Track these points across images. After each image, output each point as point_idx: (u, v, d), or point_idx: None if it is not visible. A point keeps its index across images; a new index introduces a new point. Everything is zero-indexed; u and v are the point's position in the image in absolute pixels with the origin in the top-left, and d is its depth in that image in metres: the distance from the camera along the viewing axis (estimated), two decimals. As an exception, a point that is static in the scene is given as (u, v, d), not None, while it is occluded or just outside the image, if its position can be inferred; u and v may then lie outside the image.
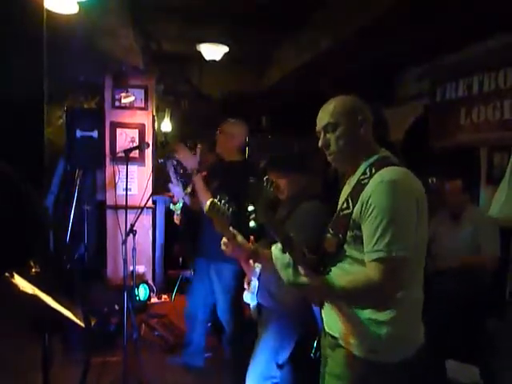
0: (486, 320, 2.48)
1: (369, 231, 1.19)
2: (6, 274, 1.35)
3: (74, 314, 1.42)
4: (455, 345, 2.40)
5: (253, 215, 1.22)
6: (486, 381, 2.27)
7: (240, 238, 1.73)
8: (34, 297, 1.35)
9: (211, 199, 1.72)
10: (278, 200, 1.93)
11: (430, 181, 3.06)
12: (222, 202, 1.71)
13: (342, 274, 1.29)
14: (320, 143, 1.36)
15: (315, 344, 1.53)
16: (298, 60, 3.93)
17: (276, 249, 1.27)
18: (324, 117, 1.35)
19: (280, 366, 1.92)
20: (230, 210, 1.70)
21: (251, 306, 1.99)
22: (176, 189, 2.74)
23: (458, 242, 2.75)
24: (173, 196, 4.44)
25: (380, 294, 1.19)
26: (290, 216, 1.79)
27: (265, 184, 1.27)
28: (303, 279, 1.23)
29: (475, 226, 2.70)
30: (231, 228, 1.72)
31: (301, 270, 1.23)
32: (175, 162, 2.65)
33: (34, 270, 1.43)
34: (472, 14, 2.71)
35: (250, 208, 1.23)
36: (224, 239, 1.74)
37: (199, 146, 3.58)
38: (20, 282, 1.38)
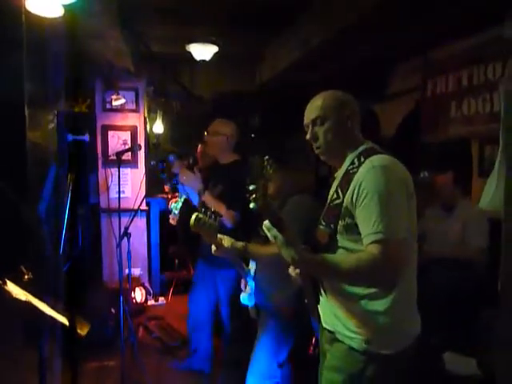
0: (481, 310, 2.49)
1: (365, 215, 1.21)
2: (-1, 281, 1.33)
3: (68, 319, 1.41)
4: (451, 337, 2.41)
5: (254, 195, 1.18)
6: (483, 371, 2.29)
7: (227, 241, 1.75)
8: (28, 303, 1.34)
9: (195, 214, 1.73)
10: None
11: (421, 174, 3.07)
12: (208, 213, 1.73)
13: (339, 256, 1.29)
14: (308, 136, 1.39)
15: (313, 341, 1.54)
16: (288, 58, 3.93)
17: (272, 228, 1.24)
18: (312, 110, 1.38)
19: (280, 365, 1.92)
20: (217, 220, 1.72)
21: (249, 307, 1.99)
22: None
23: (449, 235, 2.76)
24: (168, 198, 4.43)
25: (383, 274, 1.19)
26: (280, 211, 1.80)
27: (265, 164, 1.25)
28: (305, 254, 1.22)
29: (466, 219, 2.70)
30: (218, 235, 1.74)
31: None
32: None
33: (26, 276, 1.42)
34: (460, 8, 2.72)
35: (252, 187, 1.18)
36: (213, 247, 1.77)
37: (200, 147, 3.54)
38: (13, 288, 1.37)
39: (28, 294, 1.36)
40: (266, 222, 1.21)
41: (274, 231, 1.20)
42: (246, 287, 1.97)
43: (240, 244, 1.78)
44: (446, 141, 3.50)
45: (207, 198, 2.43)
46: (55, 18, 2.25)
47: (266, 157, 1.28)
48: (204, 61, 3.82)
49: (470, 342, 2.40)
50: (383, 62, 4.00)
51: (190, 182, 2.47)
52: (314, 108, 1.37)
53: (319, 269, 1.26)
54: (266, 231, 1.23)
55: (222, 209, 2.35)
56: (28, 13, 1.91)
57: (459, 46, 3.34)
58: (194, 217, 1.70)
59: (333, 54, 3.70)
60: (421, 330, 1.36)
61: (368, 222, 1.19)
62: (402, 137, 4.09)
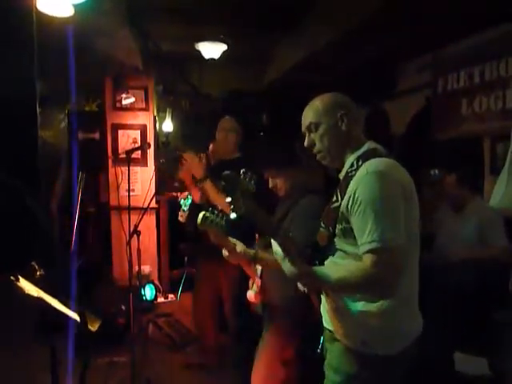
0: (493, 311, 2.46)
1: (359, 224, 1.20)
2: (12, 278, 1.36)
3: (79, 315, 1.43)
4: (463, 337, 2.39)
5: (231, 207, 1.21)
6: (494, 371, 2.26)
7: (240, 246, 1.73)
8: (39, 299, 1.36)
9: (203, 212, 1.71)
10: (277, 199, 1.93)
11: (432, 172, 3.03)
12: (216, 212, 1.71)
13: (334, 267, 1.31)
14: (305, 143, 1.38)
15: (321, 340, 1.54)
16: (298, 56, 3.92)
17: (275, 243, 1.29)
18: (306, 117, 1.37)
19: (285, 364, 1.91)
20: (225, 218, 1.70)
21: (256, 304, 1.99)
22: None
23: (460, 234, 2.71)
24: (177, 196, 4.44)
25: (378, 283, 1.19)
26: (289, 213, 1.80)
27: (242, 177, 1.26)
28: (301, 268, 1.24)
29: (479, 219, 2.65)
30: (230, 238, 1.72)
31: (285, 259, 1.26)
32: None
33: (38, 273, 1.45)
34: (472, 3, 2.69)
35: (228, 200, 1.21)
36: (224, 251, 1.75)
37: (212, 145, 3.55)
38: (25, 284, 1.39)
39: (40, 291, 1.39)
40: (273, 241, 1.27)
41: (276, 248, 1.26)
42: (252, 285, 1.97)
43: (252, 251, 1.77)
44: (454, 138, 3.46)
45: (208, 185, 2.40)
46: (65, 18, 2.27)
47: (243, 170, 1.29)
48: (213, 59, 3.83)
49: (481, 343, 2.38)
50: (391, 60, 3.97)
51: (192, 168, 2.45)
52: (307, 114, 1.37)
53: (319, 283, 1.28)
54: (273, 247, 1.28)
55: (220, 198, 2.34)
56: (39, 12, 1.94)
57: (471, 41, 3.29)
58: (201, 215, 1.70)
59: (340, 54, 3.68)
60: (432, 329, 1.34)
61: (363, 230, 1.18)
62: (413, 134, 4.05)
